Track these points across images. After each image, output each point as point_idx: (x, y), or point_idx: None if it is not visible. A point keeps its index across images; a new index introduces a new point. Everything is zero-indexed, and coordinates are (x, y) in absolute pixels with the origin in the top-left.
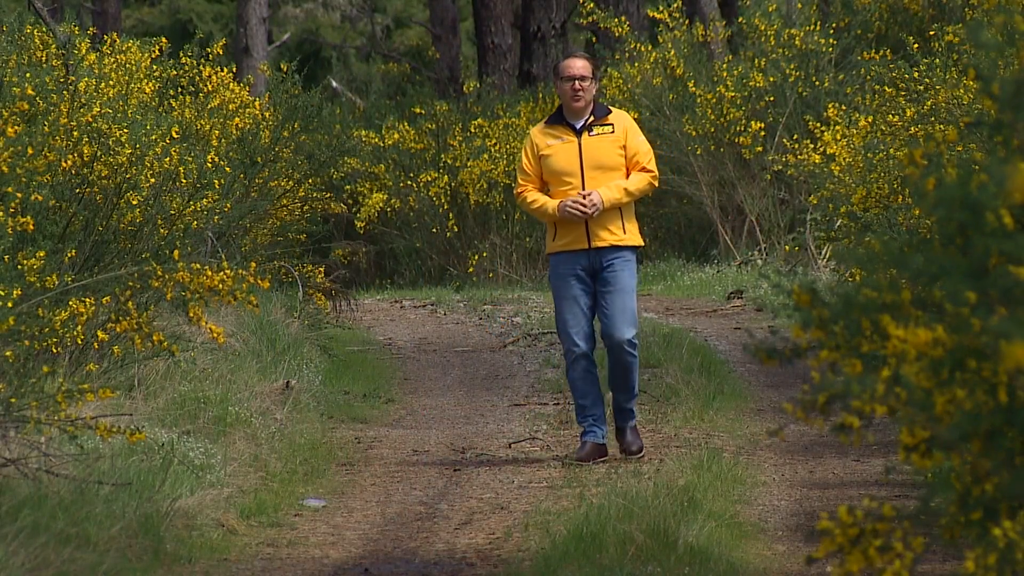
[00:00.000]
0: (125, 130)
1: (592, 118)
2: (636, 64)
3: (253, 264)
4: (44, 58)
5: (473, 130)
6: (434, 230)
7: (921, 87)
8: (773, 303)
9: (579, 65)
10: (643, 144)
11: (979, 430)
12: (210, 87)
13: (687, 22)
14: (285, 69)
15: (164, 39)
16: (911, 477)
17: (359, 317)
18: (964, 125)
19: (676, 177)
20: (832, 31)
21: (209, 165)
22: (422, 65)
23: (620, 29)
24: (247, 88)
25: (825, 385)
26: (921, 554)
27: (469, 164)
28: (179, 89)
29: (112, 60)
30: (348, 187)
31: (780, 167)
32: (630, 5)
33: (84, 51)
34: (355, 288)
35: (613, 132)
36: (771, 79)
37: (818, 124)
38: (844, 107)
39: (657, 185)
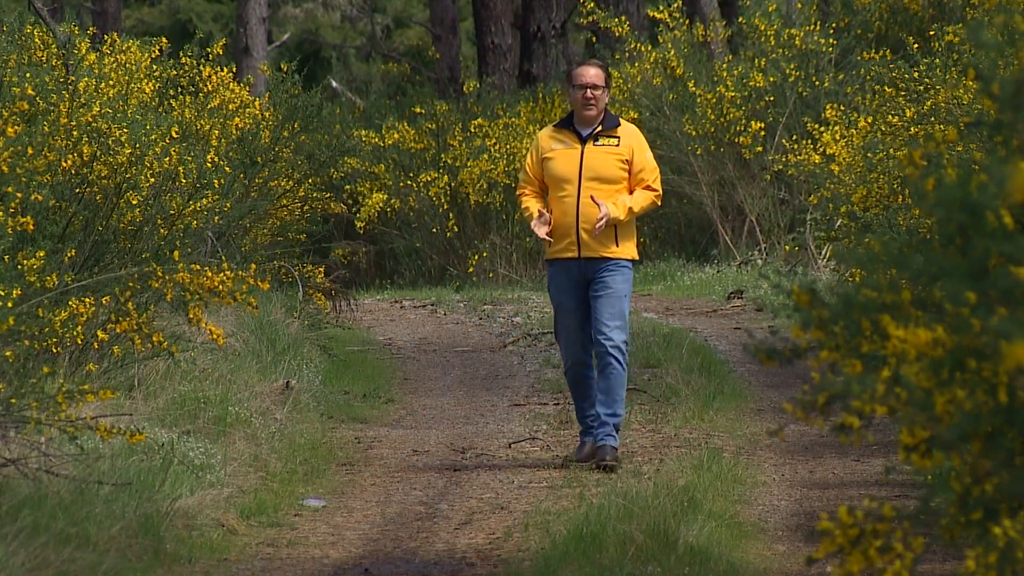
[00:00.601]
0: (125, 130)
1: (600, 128)
2: (636, 64)
3: (253, 266)
4: (44, 58)
5: (473, 130)
6: (434, 230)
7: (921, 87)
8: (773, 303)
9: (592, 73)
10: (650, 162)
11: (979, 430)
12: (210, 87)
13: (687, 22)
14: (285, 69)
15: (164, 39)
16: (911, 477)
17: (359, 317)
18: (964, 125)
19: (676, 177)
20: (832, 31)
21: (209, 165)
22: (422, 65)
23: (620, 29)
24: (247, 88)
25: (825, 385)
26: (921, 554)
27: (469, 164)
28: (179, 89)
29: (112, 60)
30: (348, 187)
31: (780, 167)
32: (630, 5)
33: (84, 51)
34: (355, 288)
35: (618, 145)
36: (771, 79)
37: (817, 125)
38: (843, 107)
39: (660, 204)
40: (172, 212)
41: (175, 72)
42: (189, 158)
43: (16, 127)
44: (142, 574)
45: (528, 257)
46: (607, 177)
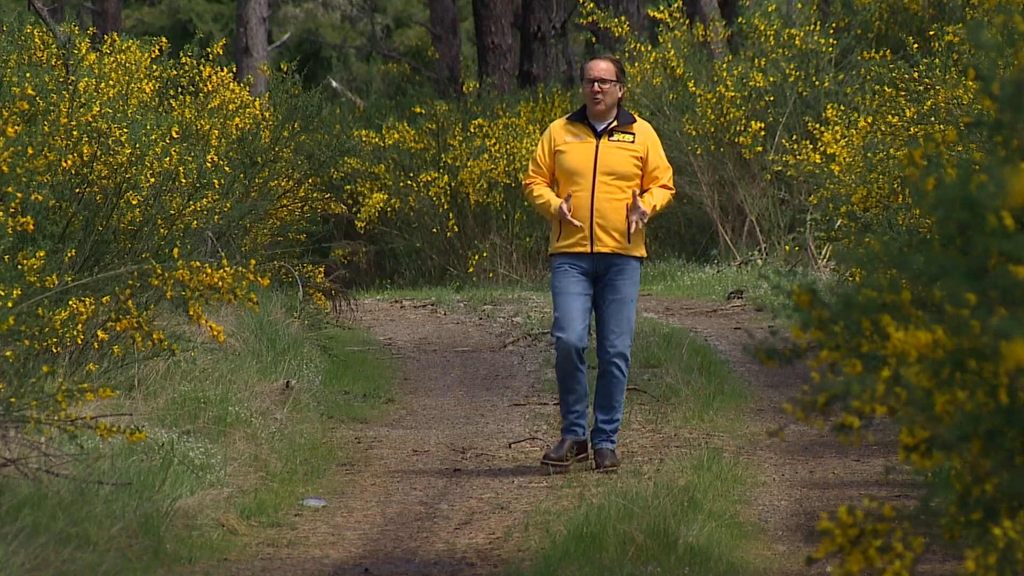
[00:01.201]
0: (125, 130)
1: (616, 123)
2: (636, 64)
3: (253, 262)
4: (44, 58)
5: (473, 130)
6: (434, 230)
7: (921, 87)
8: (773, 303)
9: (602, 67)
10: (664, 160)
11: (979, 430)
12: (210, 87)
13: (687, 22)
14: (285, 69)
15: (164, 39)
16: (911, 477)
17: (359, 317)
18: (964, 125)
19: (676, 177)
20: (832, 31)
21: (209, 165)
22: (422, 65)
23: (620, 29)
24: (247, 88)
25: (825, 385)
26: (921, 554)
27: (469, 164)
28: (179, 89)
29: (112, 60)
30: (348, 187)
31: (780, 167)
32: (630, 5)
33: (84, 51)
34: (355, 288)
35: (633, 142)
36: (771, 79)
37: (817, 125)
38: (843, 107)
39: (673, 204)
40: (172, 212)
41: (175, 72)
42: (189, 158)
43: (16, 127)
44: (142, 574)
45: (528, 257)
46: (621, 173)
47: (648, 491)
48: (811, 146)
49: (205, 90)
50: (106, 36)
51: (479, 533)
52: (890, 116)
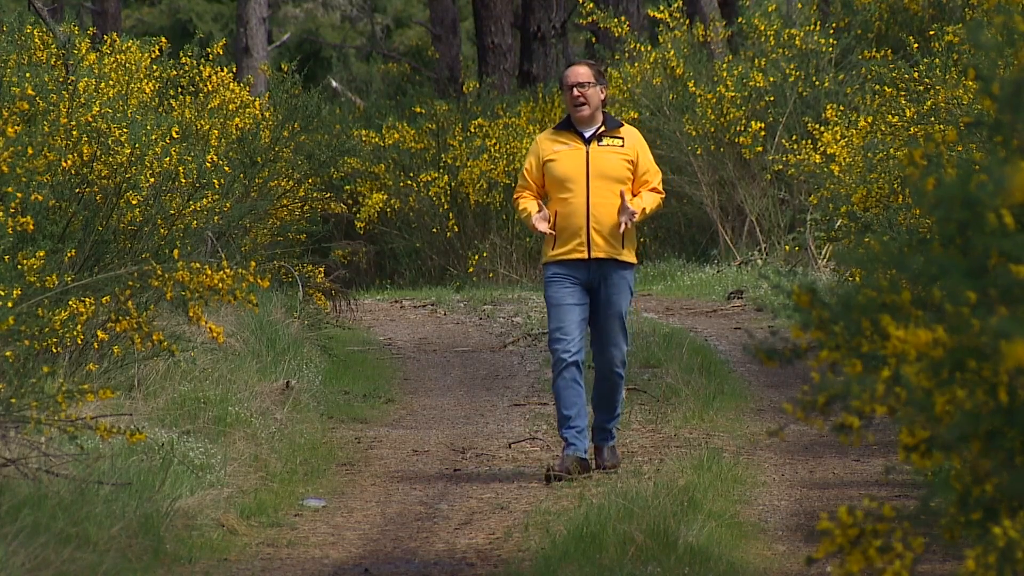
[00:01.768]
0: (125, 130)
1: (603, 128)
2: (636, 64)
3: (253, 263)
4: (44, 58)
5: (473, 130)
6: (434, 230)
7: (921, 87)
8: (773, 303)
9: (580, 72)
10: (653, 164)
11: (979, 430)
12: (210, 87)
13: (687, 22)
14: (285, 69)
15: (164, 39)
16: (911, 477)
17: (359, 317)
18: (964, 125)
19: (676, 177)
20: (832, 31)
21: (208, 165)
22: (422, 65)
23: (620, 29)
24: (247, 88)
25: (825, 385)
26: (921, 554)
27: (469, 164)
28: (179, 89)
29: (112, 60)
30: (348, 187)
31: (780, 167)
32: (630, 5)
33: (84, 51)
34: (355, 288)
35: (623, 146)
36: (771, 79)
37: (817, 125)
38: (843, 107)
39: (663, 207)
40: (172, 212)
41: (175, 72)
42: (189, 158)
43: (16, 127)
44: (142, 574)
45: (528, 257)
46: (614, 177)
47: (648, 491)
48: (811, 146)
49: (205, 90)
50: (106, 36)
51: (479, 533)
52: (890, 116)
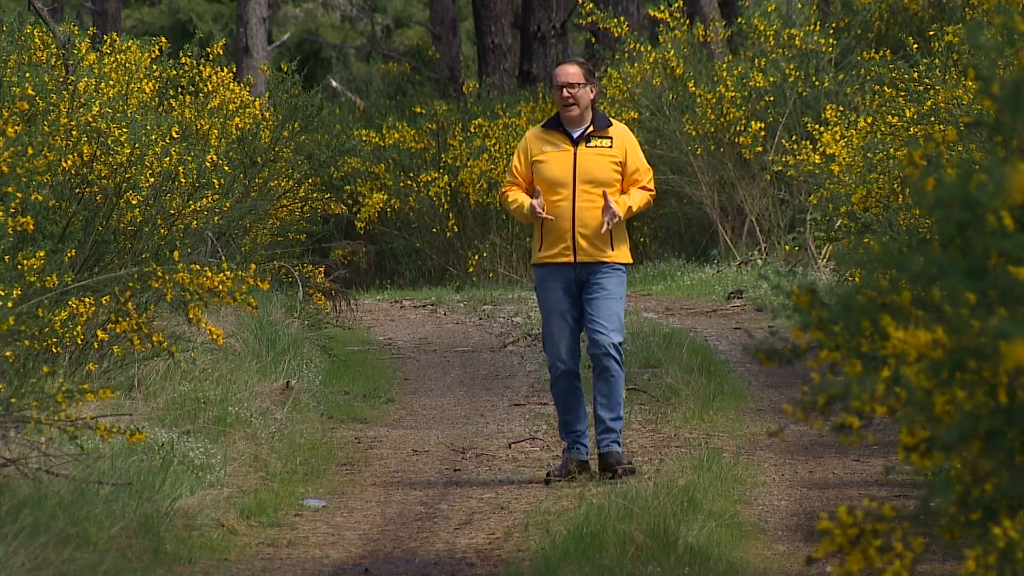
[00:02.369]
0: (125, 130)
1: (592, 128)
2: (636, 64)
3: (253, 266)
4: (44, 58)
5: (473, 130)
6: (434, 230)
7: (921, 87)
8: (773, 303)
9: (570, 72)
10: (643, 162)
11: (979, 430)
12: (210, 87)
13: (687, 22)
14: (285, 69)
15: (164, 39)
16: (911, 477)
17: (359, 317)
18: (964, 125)
19: (676, 177)
20: (832, 31)
21: (208, 165)
22: (422, 65)
23: (620, 29)
24: (247, 88)
25: (825, 386)
26: (921, 554)
27: (469, 164)
28: (179, 89)
29: (112, 60)
30: (348, 187)
31: (780, 167)
32: (630, 5)
33: (84, 51)
34: (355, 288)
35: (611, 147)
36: (771, 79)
37: (817, 125)
38: (843, 107)
39: (654, 205)
40: (172, 212)
41: (175, 72)
42: (189, 158)
43: (16, 127)
44: (142, 574)
45: (528, 257)
46: (601, 179)
47: (648, 491)
48: (811, 146)
49: (205, 90)
50: (106, 36)
51: (479, 533)
52: (890, 116)
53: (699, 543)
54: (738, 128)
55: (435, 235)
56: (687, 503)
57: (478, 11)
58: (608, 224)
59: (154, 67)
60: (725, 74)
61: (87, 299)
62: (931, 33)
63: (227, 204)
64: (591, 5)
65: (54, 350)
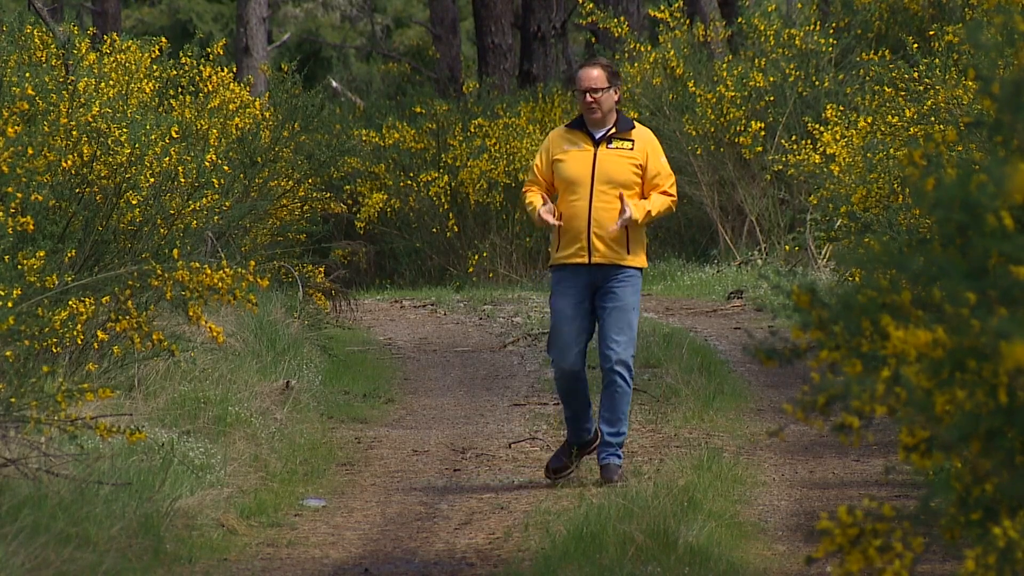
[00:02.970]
0: (125, 130)
1: (614, 130)
2: (636, 64)
3: (252, 263)
4: (44, 58)
5: (473, 130)
6: (434, 230)
7: (921, 87)
8: (773, 303)
9: (593, 76)
10: (665, 167)
11: (979, 430)
12: (210, 87)
13: (687, 22)
14: (285, 69)
15: (164, 39)
16: (911, 477)
17: (359, 317)
18: (964, 125)
19: (676, 177)
20: (832, 31)
21: (207, 164)
22: (422, 65)
23: (620, 29)
24: (247, 88)
25: (825, 386)
26: (921, 554)
27: (469, 164)
28: (179, 89)
29: (112, 60)
30: (348, 187)
31: (780, 167)
32: (630, 5)
33: (84, 51)
34: (355, 288)
35: (632, 149)
36: (771, 79)
37: (817, 125)
38: (843, 107)
39: (675, 211)
40: (172, 212)
41: (175, 72)
42: (189, 158)
43: (16, 127)
44: (142, 574)
45: (528, 257)
46: (620, 181)
47: (648, 491)
48: (811, 146)
49: (205, 90)
50: (106, 36)
51: (479, 533)
52: (890, 116)
53: (699, 543)
54: (738, 128)
55: (435, 235)
56: (687, 503)
57: (478, 11)
58: (619, 225)
59: (154, 67)
60: (725, 74)
61: (87, 299)
62: (931, 33)
63: (227, 204)
64: (591, 5)
65: (54, 350)
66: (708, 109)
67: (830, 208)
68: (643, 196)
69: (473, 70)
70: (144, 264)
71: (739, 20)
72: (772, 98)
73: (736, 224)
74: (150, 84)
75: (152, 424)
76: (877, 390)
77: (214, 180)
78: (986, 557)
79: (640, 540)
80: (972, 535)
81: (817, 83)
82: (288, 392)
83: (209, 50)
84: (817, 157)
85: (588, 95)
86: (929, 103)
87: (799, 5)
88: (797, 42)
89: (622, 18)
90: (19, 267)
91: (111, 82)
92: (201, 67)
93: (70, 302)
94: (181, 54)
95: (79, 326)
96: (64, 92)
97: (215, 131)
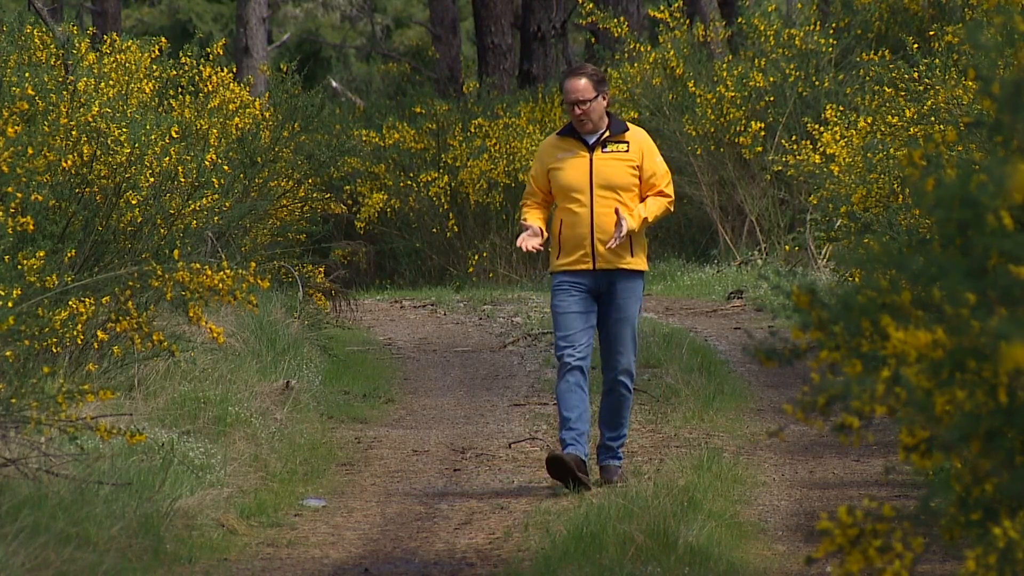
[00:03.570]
0: (125, 130)
1: (608, 133)
2: (636, 64)
3: (253, 264)
4: (44, 58)
5: (473, 130)
6: (434, 230)
7: (921, 87)
8: (773, 303)
9: (580, 87)
10: (661, 166)
11: (979, 431)
12: (210, 87)
13: (687, 22)
14: (285, 69)
15: (164, 39)
16: (911, 477)
17: (359, 317)
18: (964, 125)
19: (676, 177)
20: (832, 31)
21: (207, 164)
22: (422, 65)
23: (620, 29)
24: (247, 88)
25: (825, 386)
26: (921, 554)
27: (469, 164)
28: (179, 89)
29: (112, 60)
30: (348, 187)
31: (780, 167)
32: (630, 5)
33: (84, 51)
34: (355, 288)
35: (627, 151)
36: (771, 79)
37: (816, 125)
38: (843, 107)
39: (673, 210)
40: (172, 212)
41: (175, 72)
42: (188, 158)
43: (16, 127)
44: (142, 574)
45: (528, 257)
46: (619, 185)
47: (648, 491)
48: (811, 146)
49: (205, 90)
50: (106, 36)
51: (479, 533)
52: (890, 116)
53: (699, 543)
54: (738, 128)
55: (435, 235)
56: (687, 503)
57: (478, 11)
58: (615, 241)
59: (154, 67)
60: (725, 74)
61: (87, 299)
62: (931, 33)
63: (227, 204)
64: (591, 5)
65: (54, 350)
66: (708, 109)
67: (830, 208)
68: (641, 197)
69: (473, 70)
70: (144, 264)
71: (739, 20)
72: (772, 98)
73: (736, 224)
74: (150, 84)
75: (152, 424)
76: (877, 390)
77: (214, 180)
78: (986, 557)
79: (640, 540)
80: (972, 535)
81: (817, 83)
82: (288, 392)
83: (209, 50)
84: (817, 157)
85: (577, 107)
86: (929, 103)
87: (799, 5)
88: (797, 42)
89: (622, 18)
90: (19, 267)
91: (111, 82)
92: (201, 67)
93: (70, 302)
94: (181, 54)
95: (79, 326)
96: (64, 92)
97: (215, 131)
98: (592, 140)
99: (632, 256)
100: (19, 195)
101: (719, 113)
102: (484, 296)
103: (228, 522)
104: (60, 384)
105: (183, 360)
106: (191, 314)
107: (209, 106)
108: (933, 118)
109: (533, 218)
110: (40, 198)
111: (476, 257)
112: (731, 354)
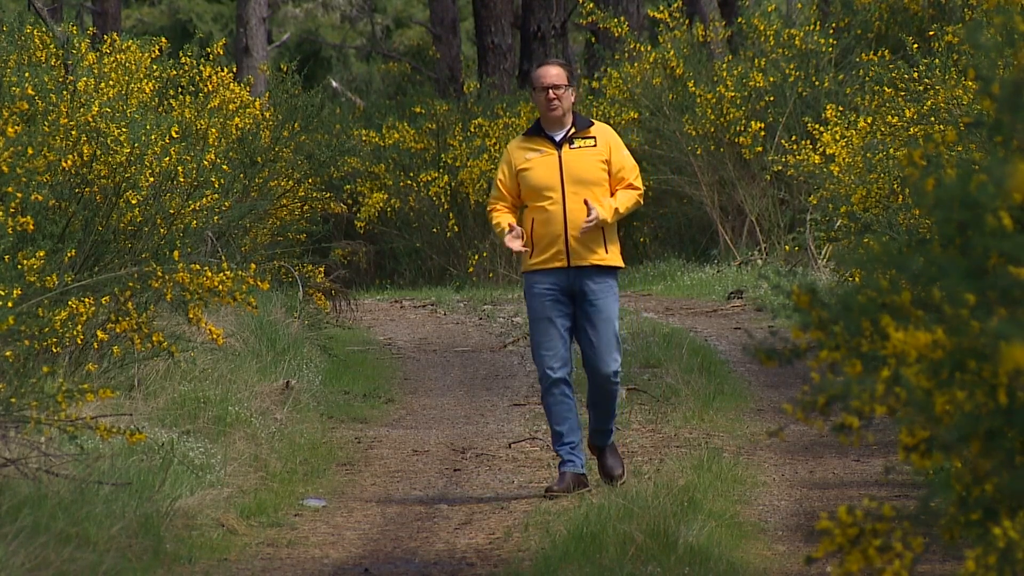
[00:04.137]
0: (124, 130)
1: (573, 129)
2: (636, 64)
3: (253, 266)
4: (44, 58)
5: (473, 130)
6: (434, 230)
7: (921, 87)
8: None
9: (553, 73)
10: (628, 159)
11: (979, 431)
12: (210, 87)
13: (687, 22)
14: (285, 69)
15: (164, 39)
16: (911, 477)
17: (359, 317)
18: (964, 125)
19: (676, 177)
20: (832, 31)
21: (207, 164)
22: (422, 65)
23: (620, 29)
24: (247, 88)
25: (825, 386)
26: (921, 554)
27: (469, 164)
28: (179, 89)
29: (112, 60)
30: (348, 187)
31: (780, 167)
32: (630, 5)
33: (84, 51)
34: (355, 288)
35: (595, 146)
36: (771, 79)
37: (816, 125)
38: (843, 107)
39: (643, 203)
40: (172, 212)
41: (175, 72)
42: (188, 157)
43: (16, 127)
44: (142, 574)
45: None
46: (589, 180)
47: (648, 491)
48: (811, 146)
49: (205, 90)
50: (106, 36)
51: (479, 533)
52: (890, 116)
53: (699, 543)
54: (738, 128)
55: (435, 235)
56: (687, 503)
57: (478, 11)
58: (586, 225)
59: (154, 67)
60: (725, 74)
61: (87, 299)
62: (931, 33)
63: (227, 204)
64: (591, 5)
65: (54, 350)
66: (708, 109)
67: (830, 208)
68: (611, 191)
69: (473, 70)
70: (144, 264)
71: (739, 20)
72: (772, 98)
73: (736, 224)
74: (150, 84)
75: (152, 424)
76: (877, 390)
77: (214, 180)
78: (986, 557)
79: (640, 540)
80: (972, 535)
81: (817, 83)
82: (288, 392)
83: (209, 50)
84: (817, 157)
85: (550, 91)
86: (929, 103)
87: (799, 5)
88: (797, 42)
89: (622, 18)
90: (19, 267)
91: (111, 82)
92: (201, 67)
93: (70, 302)
94: (181, 54)
95: (79, 326)
96: (64, 92)
97: (215, 131)
98: (559, 137)
99: (606, 252)
100: (19, 195)
101: (719, 113)
102: (484, 296)
103: (228, 522)
104: (60, 384)
105: (183, 360)
106: (191, 316)
107: (209, 106)
108: (933, 118)
109: (506, 219)
110: (40, 198)
111: (476, 257)
112: (731, 354)
